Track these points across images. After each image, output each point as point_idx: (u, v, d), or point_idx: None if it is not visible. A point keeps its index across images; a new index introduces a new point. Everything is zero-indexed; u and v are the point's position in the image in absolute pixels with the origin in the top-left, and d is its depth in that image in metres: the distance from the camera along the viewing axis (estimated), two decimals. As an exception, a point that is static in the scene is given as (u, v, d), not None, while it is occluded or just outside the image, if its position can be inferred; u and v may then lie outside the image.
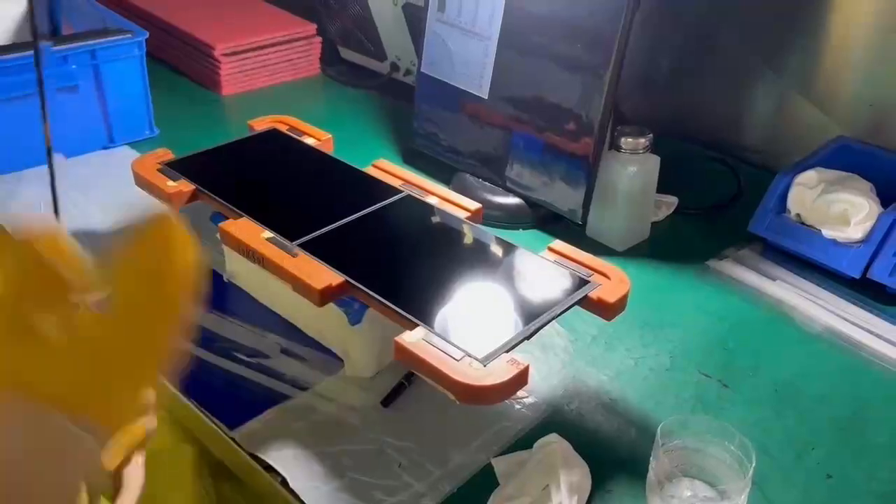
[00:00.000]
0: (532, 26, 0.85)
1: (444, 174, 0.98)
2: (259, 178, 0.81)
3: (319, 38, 1.27)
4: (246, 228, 0.70)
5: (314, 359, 0.71)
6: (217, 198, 0.75)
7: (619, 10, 0.78)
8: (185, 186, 0.76)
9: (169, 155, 0.82)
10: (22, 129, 0.97)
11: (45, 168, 1.00)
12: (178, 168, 0.79)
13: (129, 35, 1.01)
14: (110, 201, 0.93)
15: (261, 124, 0.91)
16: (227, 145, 0.86)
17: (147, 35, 1.02)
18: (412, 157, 1.03)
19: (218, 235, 0.73)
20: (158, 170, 0.79)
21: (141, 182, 0.80)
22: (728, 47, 1.04)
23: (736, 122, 1.06)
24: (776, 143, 1.03)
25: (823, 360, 0.73)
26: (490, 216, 0.87)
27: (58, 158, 0.38)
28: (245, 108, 1.18)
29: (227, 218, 0.73)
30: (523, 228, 0.92)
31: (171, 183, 0.77)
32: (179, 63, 1.26)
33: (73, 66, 0.97)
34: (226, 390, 0.69)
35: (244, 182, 0.80)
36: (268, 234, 0.69)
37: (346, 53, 1.30)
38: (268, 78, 1.24)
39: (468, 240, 0.73)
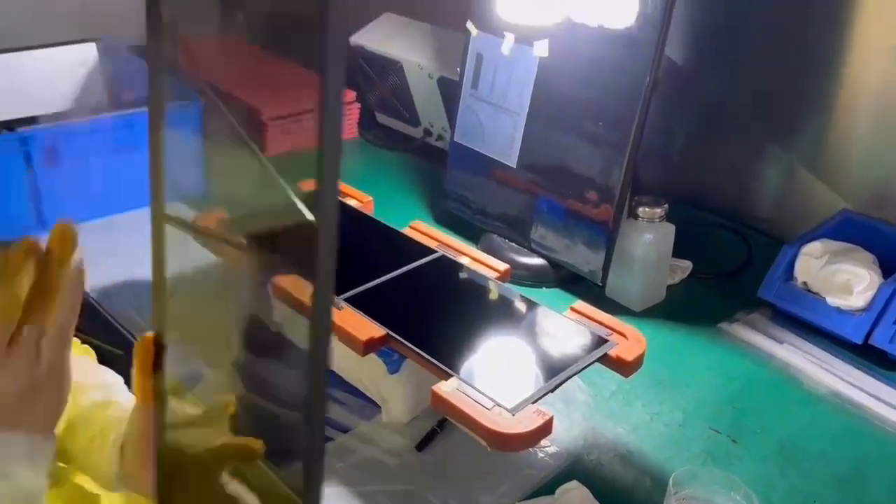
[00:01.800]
0: (558, 105, 0.93)
1: (474, 234, 1.05)
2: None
3: (358, 105, 1.37)
4: (296, 283, 0.77)
5: (354, 404, 0.78)
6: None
7: (637, 93, 0.85)
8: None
9: (223, 214, 0.90)
10: (86, 184, 1.06)
11: (108, 219, 1.09)
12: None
13: (190, 101, 1.10)
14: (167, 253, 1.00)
15: (307, 186, 0.99)
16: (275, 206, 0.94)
17: (203, 102, 1.11)
18: (444, 217, 1.11)
19: (269, 290, 0.80)
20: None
21: (198, 238, 0.87)
22: (740, 124, 1.11)
23: (747, 194, 1.13)
24: (785, 214, 1.09)
25: (827, 420, 0.78)
26: (516, 275, 0.94)
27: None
28: (287, 168, 1.27)
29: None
30: (547, 287, 0.98)
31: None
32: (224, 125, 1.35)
33: (137, 129, 1.07)
34: (271, 432, 0.75)
35: (293, 240, 0.87)
36: (316, 288, 0.76)
37: (383, 119, 1.40)
38: (308, 140, 1.32)
39: (497, 298, 0.79)
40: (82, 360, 0.63)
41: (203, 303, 0.51)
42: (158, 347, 0.46)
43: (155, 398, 0.47)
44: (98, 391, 0.63)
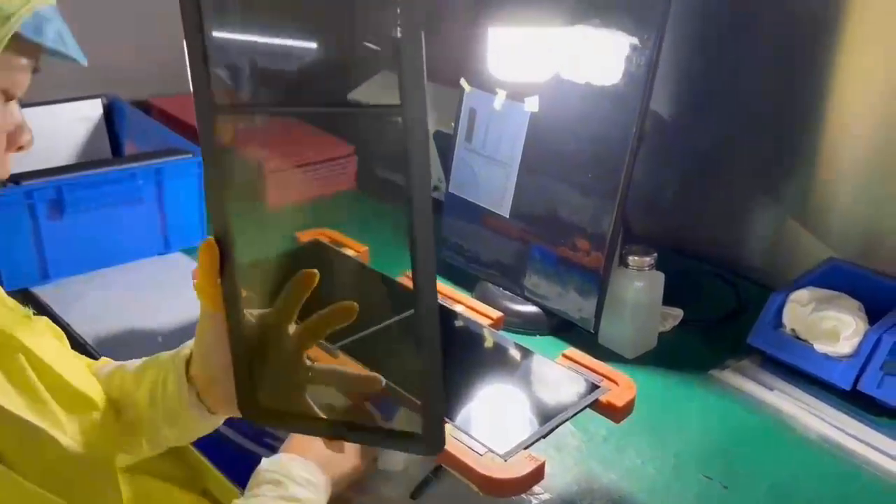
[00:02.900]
0: (549, 157, 0.96)
1: (468, 282, 1.07)
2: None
3: (356, 157, 1.40)
4: (293, 331, 0.79)
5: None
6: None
7: (624, 146, 0.88)
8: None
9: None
10: (90, 237, 1.09)
11: (109, 270, 1.11)
12: (233, 275, 0.89)
13: (191, 155, 1.14)
14: (166, 302, 1.02)
15: (306, 236, 1.01)
16: (277, 254, 0.96)
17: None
18: (439, 265, 1.12)
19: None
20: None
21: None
22: (728, 175, 1.15)
23: (736, 242, 1.15)
24: (773, 263, 1.11)
25: (817, 465, 0.79)
26: (510, 323, 0.96)
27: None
28: (286, 219, 1.30)
29: (276, 321, 0.81)
30: (540, 335, 1.00)
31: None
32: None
33: (141, 182, 1.10)
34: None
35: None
36: (312, 336, 0.78)
37: (380, 171, 1.43)
38: (309, 191, 1.36)
39: (490, 345, 0.81)
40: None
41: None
42: (222, 249, 0.49)
43: (225, 303, 0.50)
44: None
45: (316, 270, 0.52)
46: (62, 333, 0.64)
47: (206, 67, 0.47)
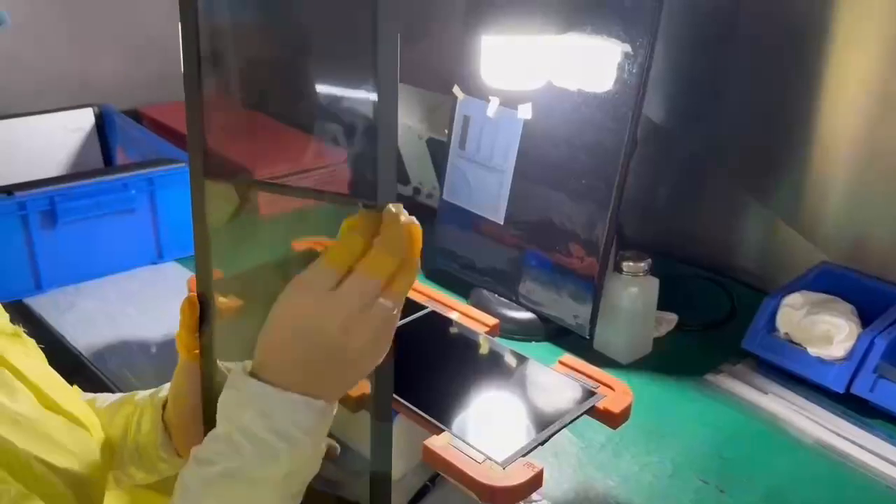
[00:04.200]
0: (542, 164, 0.97)
1: (464, 289, 1.08)
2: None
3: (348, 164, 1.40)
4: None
5: (344, 460, 0.78)
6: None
7: (617, 152, 0.89)
8: (235, 302, 0.85)
9: (219, 274, 0.92)
10: (82, 247, 1.08)
11: (101, 280, 1.11)
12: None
13: (183, 164, 1.14)
14: (159, 312, 1.02)
15: (300, 246, 1.01)
16: (271, 264, 0.96)
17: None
18: (434, 273, 1.13)
19: (263, 346, 0.82)
20: (210, 286, 0.89)
21: (195, 297, 0.89)
22: (721, 180, 1.15)
23: (729, 247, 1.16)
24: (767, 267, 1.12)
25: (812, 468, 0.79)
26: (505, 329, 0.96)
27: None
28: (279, 228, 1.29)
29: (272, 331, 0.81)
30: (536, 341, 1.00)
31: (222, 299, 0.86)
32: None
33: (133, 192, 1.09)
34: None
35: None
36: (309, 345, 0.78)
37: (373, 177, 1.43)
38: (303, 199, 1.36)
39: (487, 352, 0.81)
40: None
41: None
42: (203, 305, 0.52)
43: (201, 354, 0.52)
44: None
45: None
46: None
47: (202, 132, 0.50)
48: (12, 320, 0.61)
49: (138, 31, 1.55)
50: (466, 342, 0.82)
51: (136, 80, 1.54)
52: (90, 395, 0.67)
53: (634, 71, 0.85)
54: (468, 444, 0.65)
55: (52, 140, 1.30)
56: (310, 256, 1.01)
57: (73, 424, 0.57)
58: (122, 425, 0.62)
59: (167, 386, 0.61)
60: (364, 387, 0.71)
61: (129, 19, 1.53)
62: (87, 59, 1.48)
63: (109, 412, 0.63)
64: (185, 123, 0.47)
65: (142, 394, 0.63)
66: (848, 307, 0.92)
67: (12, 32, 1.41)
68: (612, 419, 0.71)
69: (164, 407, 0.60)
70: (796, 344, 0.91)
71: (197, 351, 0.54)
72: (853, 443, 0.82)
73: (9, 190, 1.02)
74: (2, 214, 1.01)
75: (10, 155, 1.25)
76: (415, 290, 0.91)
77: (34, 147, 1.28)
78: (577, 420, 0.70)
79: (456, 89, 1.04)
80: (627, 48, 0.86)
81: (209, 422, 0.52)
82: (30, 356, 0.59)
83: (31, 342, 0.62)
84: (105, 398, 0.66)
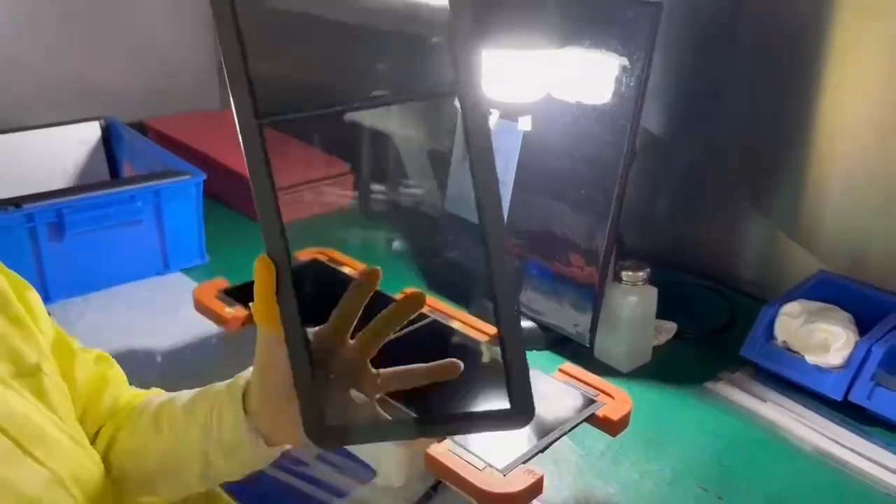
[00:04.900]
0: (542, 174, 0.98)
1: (464, 298, 1.09)
2: (304, 303, 0.92)
3: (352, 175, 1.42)
4: (293, 350, 0.80)
5: (349, 467, 0.79)
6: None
7: (616, 163, 0.90)
8: (240, 312, 0.87)
9: (224, 283, 0.93)
10: (89, 258, 1.10)
11: (108, 291, 1.12)
12: (233, 295, 0.90)
13: (189, 176, 1.15)
14: (166, 322, 1.03)
15: (304, 255, 1.02)
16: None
17: (204, 176, 1.16)
18: (435, 282, 1.14)
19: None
20: (216, 297, 0.90)
21: (200, 307, 0.90)
22: (719, 190, 1.16)
23: (728, 256, 1.17)
24: (765, 276, 1.13)
25: (811, 475, 0.80)
26: (506, 339, 0.97)
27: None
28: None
29: (276, 340, 0.82)
30: (537, 350, 1.01)
31: (228, 309, 0.88)
32: (228, 197, 1.40)
33: (139, 204, 1.11)
34: (271, 495, 0.76)
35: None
36: (312, 355, 0.79)
37: (376, 189, 1.45)
38: (307, 210, 1.38)
39: (488, 360, 0.82)
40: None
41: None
42: (277, 266, 0.45)
43: (283, 323, 0.46)
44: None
45: (378, 267, 0.50)
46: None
47: (247, 70, 0.43)
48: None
49: (145, 43, 1.57)
50: (468, 351, 0.84)
51: (142, 93, 1.56)
52: (167, 395, 0.63)
53: (632, 83, 0.87)
54: (469, 451, 0.66)
55: (60, 153, 1.32)
56: (314, 266, 1.02)
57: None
58: (200, 423, 0.56)
59: (244, 374, 0.55)
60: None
61: (136, 32, 1.55)
62: (93, 72, 1.50)
63: (187, 411, 0.58)
64: (222, 57, 0.43)
65: (217, 386, 0.58)
66: (845, 316, 0.93)
67: (19, 45, 1.43)
68: (611, 427, 0.72)
69: (244, 396, 0.55)
70: (794, 352, 0.92)
71: (279, 321, 0.47)
72: (851, 450, 0.82)
73: (17, 202, 1.04)
74: (10, 226, 1.02)
75: (19, 168, 1.26)
76: (417, 299, 0.92)
77: (42, 160, 1.30)
78: (577, 427, 0.71)
79: (457, 102, 1.06)
80: (625, 61, 0.87)
81: (304, 396, 0.47)
82: (37, 396, 0.54)
83: (53, 378, 0.57)
84: (183, 394, 0.61)
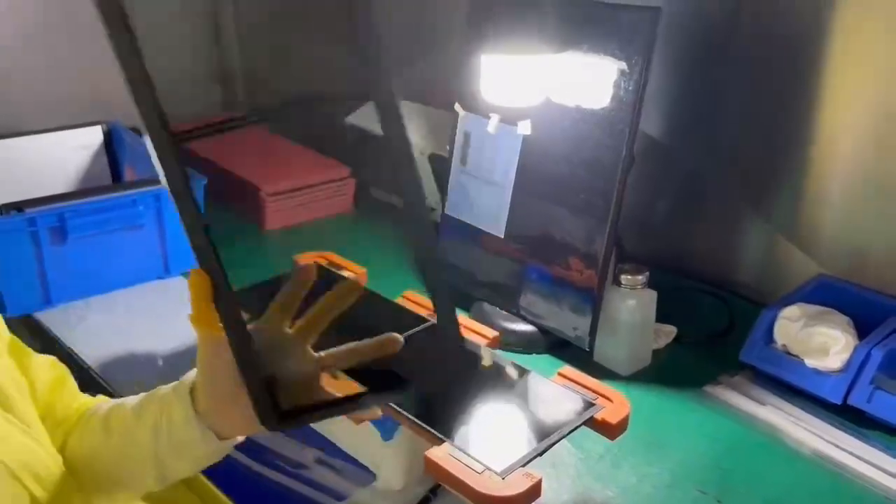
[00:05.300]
0: (542, 178, 0.98)
1: (465, 302, 1.09)
2: (305, 308, 0.92)
3: (353, 180, 1.43)
4: (293, 353, 0.80)
5: (348, 471, 0.80)
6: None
7: (615, 167, 0.90)
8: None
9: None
10: (91, 262, 1.10)
11: (109, 295, 1.13)
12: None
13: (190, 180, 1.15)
14: (167, 326, 1.04)
15: (304, 259, 1.03)
16: (276, 278, 0.98)
17: (206, 180, 1.16)
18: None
19: (267, 359, 0.83)
20: (216, 300, 0.90)
21: (201, 311, 0.90)
22: (718, 194, 1.17)
23: (727, 260, 1.17)
24: (764, 280, 1.13)
25: (810, 479, 0.80)
26: (506, 341, 0.97)
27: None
28: (285, 242, 1.32)
29: (277, 343, 0.83)
30: (536, 353, 1.01)
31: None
32: (228, 200, 1.41)
33: (141, 208, 1.11)
34: (270, 497, 0.77)
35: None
36: (312, 358, 0.79)
37: (376, 192, 1.45)
38: (306, 214, 1.38)
39: (487, 364, 0.82)
40: None
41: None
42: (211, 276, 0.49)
43: (225, 324, 0.50)
44: None
45: (314, 264, 0.58)
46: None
47: (153, 93, 0.45)
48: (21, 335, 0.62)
49: (146, 48, 1.57)
50: (467, 354, 0.84)
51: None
52: (114, 401, 0.64)
53: (630, 88, 0.87)
54: (468, 454, 0.66)
55: (62, 157, 1.33)
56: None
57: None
58: (150, 425, 0.58)
59: (190, 374, 0.58)
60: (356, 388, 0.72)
61: (137, 37, 1.56)
62: (95, 77, 1.50)
63: (136, 414, 0.60)
64: (131, 93, 0.44)
65: (164, 388, 0.60)
66: (844, 319, 0.93)
67: (21, 51, 1.43)
68: (609, 430, 0.72)
69: (192, 397, 0.57)
70: (793, 356, 0.92)
71: (220, 324, 0.51)
72: (850, 454, 0.82)
73: (19, 206, 1.04)
74: (12, 230, 1.03)
75: (20, 172, 1.27)
76: (416, 302, 0.92)
77: (44, 164, 1.30)
78: (576, 431, 0.71)
79: (457, 106, 1.06)
80: (623, 66, 0.87)
81: (253, 389, 0.50)
82: None
83: (8, 374, 0.59)
84: (131, 399, 0.62)
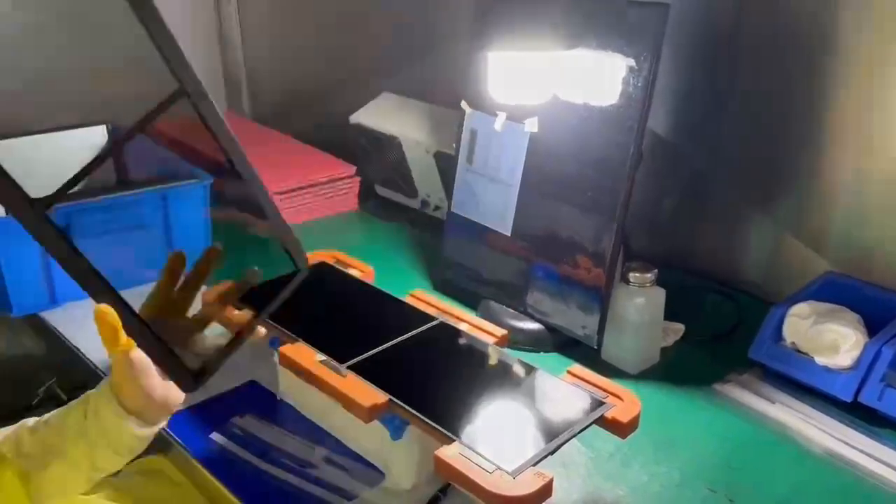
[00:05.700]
0: (549, 176, 0.98)
1: (472, 301, 1.09)
2: (312, 306, 0.92)
3: (358, 178, 1.42)
4: (302, 352, 0.80)
5: (357, 470, 0.79)
6: (275, 324, 0.85)
7: (623, 165, 0.90)
8: (248, 315, 0.87)
9: (232, 287, 0.93)
10: (96, 261, 1.10)
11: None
12: (241, 298, 0.90)
13: (197, 180, 1.15)
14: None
15: (312, 258, 1.02)
16: (283, 277, 0.97)
17: (212, 180, 1.16)
18: (443, 285, 1.14)
19: (275, 357, 0.83)
20: (223, 299, 0.90)
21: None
22: (726, 192, 1.16)
23: (735, 258, 1.16)
24: (772, 277, 1.13)
25: (821, 477, 0.79)
26: (514, 340, 0.97)
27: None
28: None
29: (285, 342, 0.83)
30: (544, 352, 1.01)
31: (235, 312, 0.88)
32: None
33: (147, 208, 1.11)
34: (278, 497, 0.76)
35: (299, 310, 0.90)
36: (320, 357, 0.79)
37: (382, 191, 1.45)
38: (313, 212, 1.38)
39: (496, 363, 0.82)
40: None
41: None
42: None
43: (128, 331, 0.61)
44: None
45: (182, 252, 0.72)
46: None
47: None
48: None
49: (151, 47, 1.57)
50: (476, 353, 0.83)
51: (148, 97, 1.56)
52: (14, 426, 0.69)
53: (639, 85, 0.87)
54: (478, 453, 0.66)
55: (67, 157, 1.32)
56: (321, 269, 1.03)
57: None
58: (76, 428, 0.65)
59: (103, 384, 0.65)
60: (375, 397, 0.73)
61: (142, 37, 1.56)
62: (100, 77, 1.50)
63: (58, 422, 0.66)
64: None
65: (82, 396, 0.67)
66: (854, 316, 0.93)
67: (26, 51, 1.43)
68: (620, 429, 0.72)
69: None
70: (803, 353, 0.91)
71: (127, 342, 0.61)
72: (861, 452, 0.82)
73: (25, 206, 1.04)
74: (18, 230, 1.02)
75: (26, 172, 1.25)
76: (424, 301, 0.92)
77: (49, 164, 1.29)
78: (586, 430, 0.71)
79: (463, 104, 1.06)
80: (632, 62, 0.87)
81: (170, 366, 0.62)
82: None
83: None
84: (37, 419, 0.68)
